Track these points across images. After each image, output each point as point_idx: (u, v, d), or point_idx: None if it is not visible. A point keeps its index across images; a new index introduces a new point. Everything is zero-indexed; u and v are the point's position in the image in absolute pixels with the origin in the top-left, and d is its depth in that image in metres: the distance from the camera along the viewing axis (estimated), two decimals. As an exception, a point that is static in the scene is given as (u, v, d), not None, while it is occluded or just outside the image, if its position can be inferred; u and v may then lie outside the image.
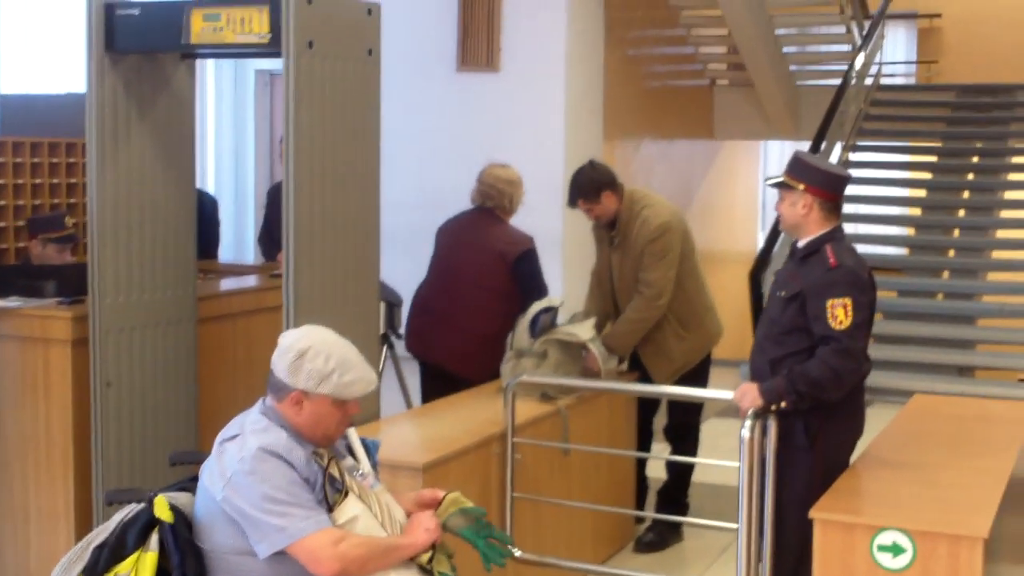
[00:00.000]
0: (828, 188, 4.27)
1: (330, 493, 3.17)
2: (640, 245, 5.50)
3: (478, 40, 10.12)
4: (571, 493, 5.17)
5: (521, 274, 5.72)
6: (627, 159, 11.17)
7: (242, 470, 3.07)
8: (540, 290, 5.70)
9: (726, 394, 4.51)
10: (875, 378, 9.15)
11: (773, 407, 4.19)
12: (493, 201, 5.81)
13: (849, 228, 13.45)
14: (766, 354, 4.33)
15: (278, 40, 4.39)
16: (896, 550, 3.62)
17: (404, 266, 10.14)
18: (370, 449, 3.51)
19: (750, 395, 4.22)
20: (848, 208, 12.27)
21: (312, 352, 3.18)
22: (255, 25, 4.44)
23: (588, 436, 5.33)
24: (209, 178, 10.41)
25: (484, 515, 3.39)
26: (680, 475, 5.81)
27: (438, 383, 5.68)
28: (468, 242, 5.82)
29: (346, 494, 3.20)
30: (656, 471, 6.03)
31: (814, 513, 3.76)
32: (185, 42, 4.58)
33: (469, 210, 5.94)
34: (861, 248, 12.57)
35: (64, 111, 6.75)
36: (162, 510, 3.13)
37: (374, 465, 3.48)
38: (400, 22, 10.42)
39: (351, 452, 3.43)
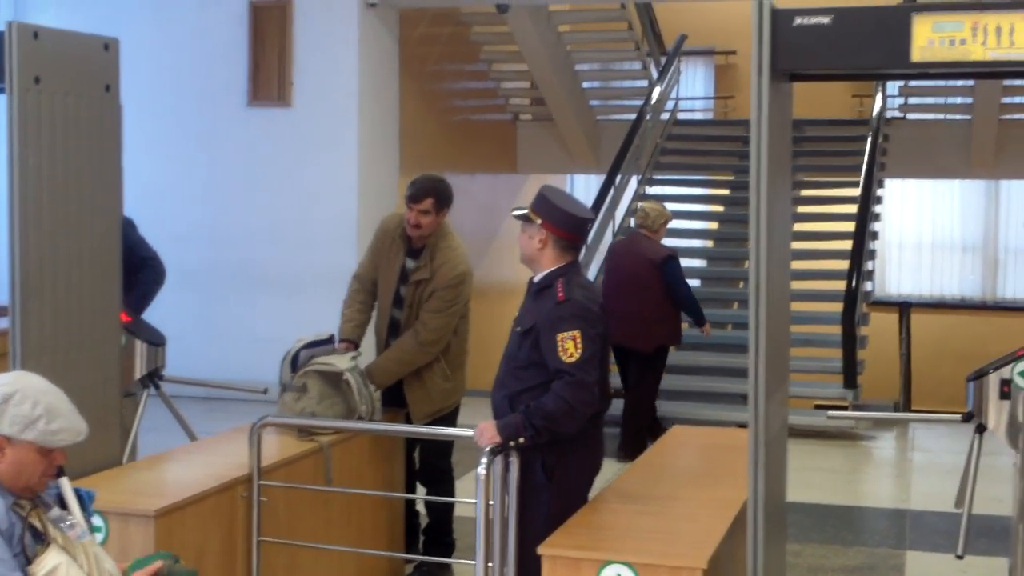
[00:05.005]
0: (565, 228, 4.30)
1: (30, 545, 3.05)
2: (435, 284, 5.44)
3: (269, 74, 10.03)
4: (330, 534, 5.08)
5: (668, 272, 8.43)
6: (427, 193, 11.18)
7: (-66, 523, 2.93)
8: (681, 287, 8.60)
9: (467, 432, 4.50)
10: (667, 407, 9.44)
11: (512, 443, 4.19)
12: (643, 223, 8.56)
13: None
14: (506, 389, 4.34)
15: (2, 75, 4.24)
16: (609, 583, 3.65)
17: (191, 302, 9.99)
18: (84, 499, 3.40)
19: (488, 433, 4.21)
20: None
21: (19, 396, 3.07)
22: (-21, 59, 4.29)
23: (352, 474, 5.25)
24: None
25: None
26: (439, 516, 5.77)
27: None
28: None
29: (48, 545, 3.09)
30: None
31: (542, 549, 3.77)
32: (-90, 74, 4.39)
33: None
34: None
35: None
36: None
37: (88, 516, 3.36)
38: (189, 56, 10.30)
39: (62, 502, 3.30)
